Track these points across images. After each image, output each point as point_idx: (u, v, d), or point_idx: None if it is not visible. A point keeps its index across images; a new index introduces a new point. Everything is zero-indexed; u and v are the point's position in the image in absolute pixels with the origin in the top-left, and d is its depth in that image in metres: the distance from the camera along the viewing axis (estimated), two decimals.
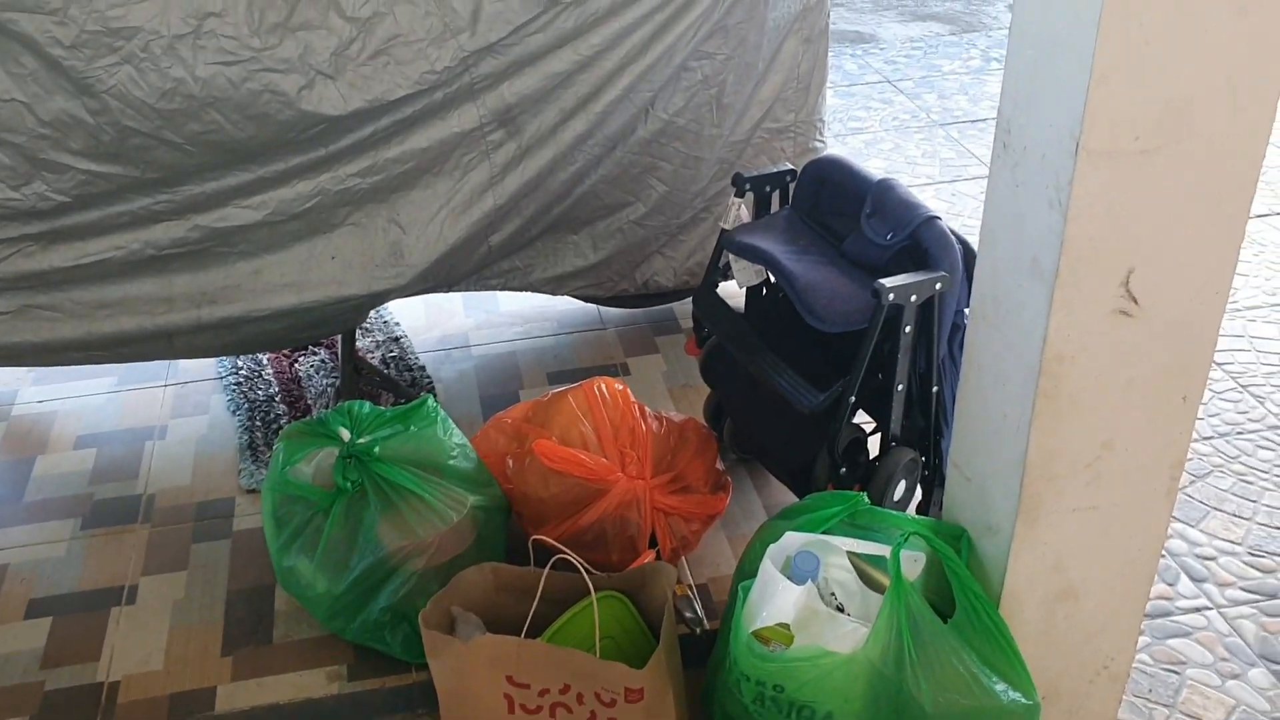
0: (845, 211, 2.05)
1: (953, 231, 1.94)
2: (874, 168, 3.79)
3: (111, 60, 1.92)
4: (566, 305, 2.93)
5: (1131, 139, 1.30)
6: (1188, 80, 1.27)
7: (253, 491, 2.38)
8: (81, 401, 2.73)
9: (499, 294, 3.00)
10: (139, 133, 1.98)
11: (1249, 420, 2.54)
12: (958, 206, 3.50)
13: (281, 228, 2.18)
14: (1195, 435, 2.23)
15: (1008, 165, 1.46)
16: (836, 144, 3.88)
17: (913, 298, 1.84)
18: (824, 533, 1.71)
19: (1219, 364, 2.70)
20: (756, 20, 2.33)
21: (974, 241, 1.71)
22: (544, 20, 2.15)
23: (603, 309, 2.92)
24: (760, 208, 2.20)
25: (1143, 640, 1.98)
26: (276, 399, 2.64)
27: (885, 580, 1.64)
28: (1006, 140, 1.46)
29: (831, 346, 2.01)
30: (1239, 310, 2.92)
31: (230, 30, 1.97)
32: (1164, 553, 2.13)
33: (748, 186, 2.16)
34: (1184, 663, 1.96)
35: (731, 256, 2.12)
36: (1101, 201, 1.32)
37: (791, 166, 2.20)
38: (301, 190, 2.14)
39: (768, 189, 2.19)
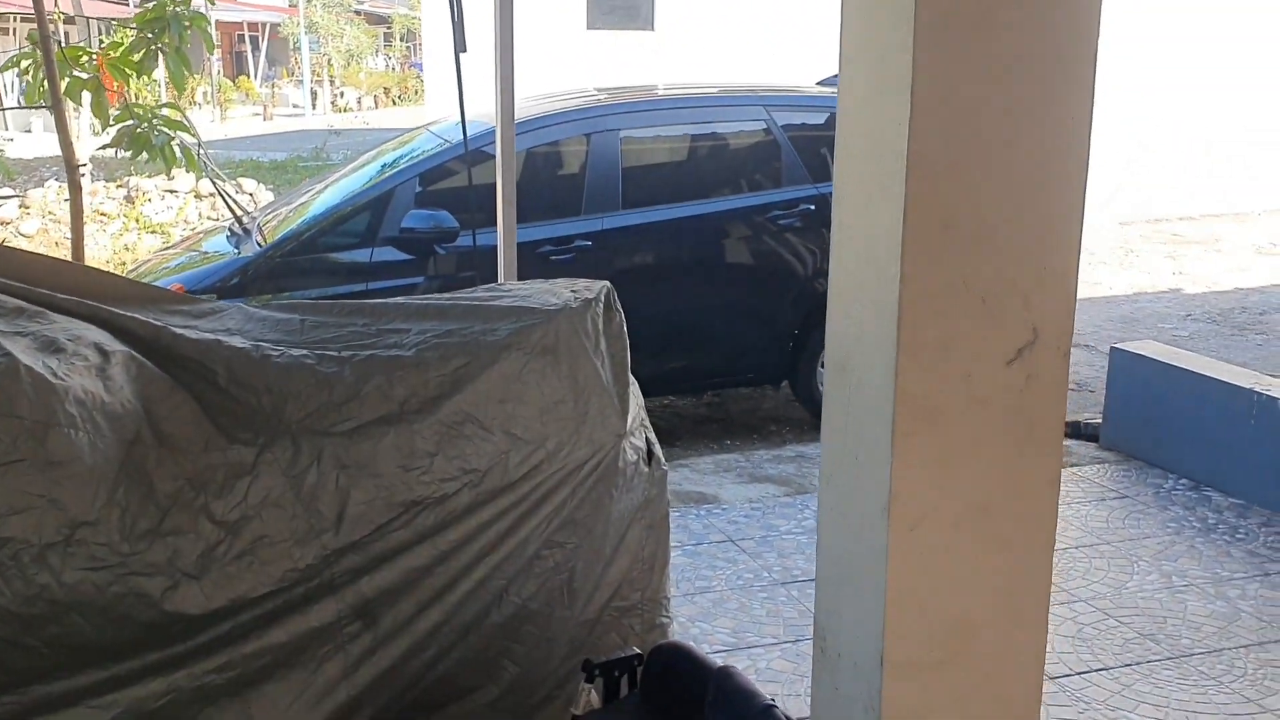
0: (690, 698, 2.14)
1: None
2: (723, 628, 3.95)
3: None
4: None
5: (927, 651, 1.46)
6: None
7: None
8: None
9: None
10: None
11: None
12: (803, 667, 3.62)
13: None
14: None
15: (827, 669, 1.59)
16: (685, 603, 4.03)
17: None
18: None
19: None
20: (603, 513, 2.53)
21: None
22: (406, 519, 2.30)
23: None
24: (609, 693, 2.28)
25: None
26: None
27: None
28: (824, 645, 1.60)
29: None
30: None
31: (102, 538, 2.04)
32: None
33: (597, 672, 2.25)
34: None
35: None
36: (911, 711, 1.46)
37: (639, 651, 2.31)
38: (155, 689, 2.13)
39: (616, 674, 2.28)
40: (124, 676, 2.12)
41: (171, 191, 10.18)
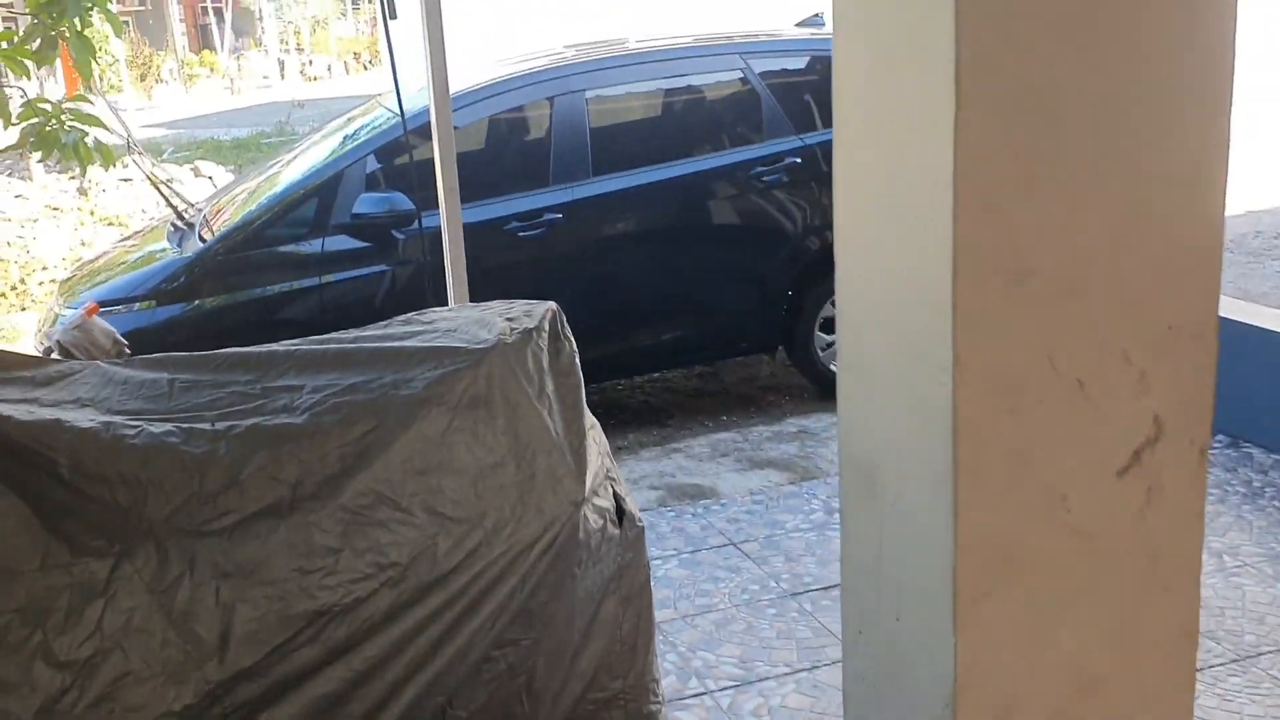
0: None
1: None
2: (729, 656, 3.46)
3: None
4: None
5: None
6: None
7: None
8: None
9: None
10: None
11: None
12: (821, 702, 3.14)
13: None
14: None
15: None
16: (684, 627, 3.53)
17: None
18: None
19: None
20: (565, 596, 2.01)
21: None
22: (309, 634, 1.78)
23: None
24: None
25: None
26: None
27: None
28: None
29: None
30: None
31: None
32: None
33: None
34: None
35: None
36: None
37: None
38: None
39: None
40: None
41: (126, 180, 9.58)
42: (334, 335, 2.06)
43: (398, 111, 5.25)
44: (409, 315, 2.13)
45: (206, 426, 1.82)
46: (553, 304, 2.07)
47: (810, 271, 5.66)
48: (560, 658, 2.05)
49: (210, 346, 5.06)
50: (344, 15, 35.73)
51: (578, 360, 2.06)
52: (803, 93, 5.89)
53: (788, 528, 4.19)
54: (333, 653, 1.79)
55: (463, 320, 2.01)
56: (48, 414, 1.83)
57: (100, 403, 1.91)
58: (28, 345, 6.71)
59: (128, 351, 3.57)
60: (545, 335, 2.00)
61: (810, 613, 3.59)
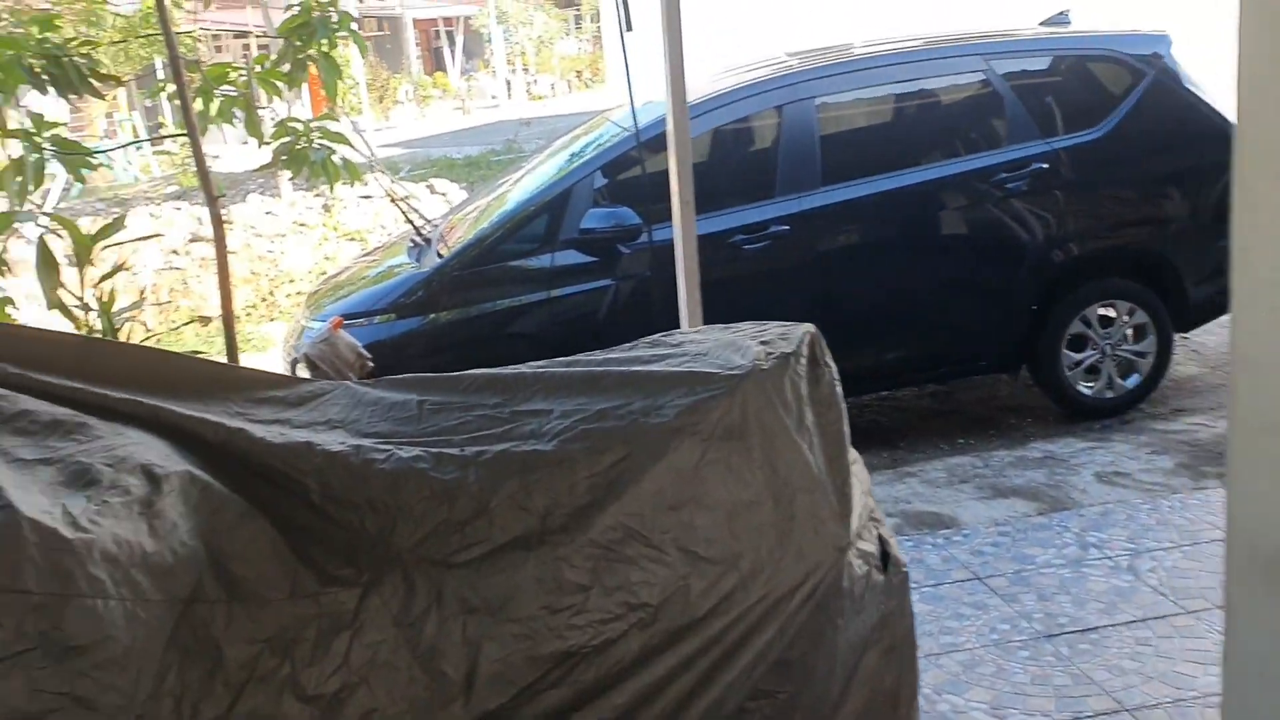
0: None
1: None
2: (978, 701, 3.20)
3: None
4: None
5: None
6: None
7: None
8: None
9: None
10: None
11: None
12: None
13: None
14: None
15: None
16: (928, 666, 3.28)
17: None
18: None
19: None
20: (826, 648, 1.83)
21: None
22: (556, 676, 1.67)
23: None
24: None
25: None
26: None
27: None
28: None
29: None
30: None
31: None
32: None
33: None
34: None
35: None
36: None
37: None
38: None
39: None
40: None
41: (366, 197, 9.98)
42: (581, 357, 1.96)
43: (630, 126, 5.21)
44: (655, 337, 2.01)
45: (455, 451, 1.74)
46: (811, 326, 1.90)
47: (1056, 285, 5.29)
48: (818, 713, 1.87)
49: (445, 359, 5.15)
50: (567, 35, 36.63)
51: (839, 388, 1.88)
52: (1045, 95, 5.52)
53: (1038, 563, 3.87)
54: (581, 697, 1.67)
55: (713, 343, 1.87)
56: (299, 436, 1.79)
57: (350, 425, 1.86)
58: (276, 354, 7.05)
59: (370, 364, 3.62)
60: (804, 361, 1.83)
61: (1068, 658, 3.27)
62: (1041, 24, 6.04)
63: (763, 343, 1.83)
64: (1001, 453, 5.08)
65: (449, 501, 1.69)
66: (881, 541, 1.92)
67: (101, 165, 16.84)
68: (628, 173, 5.31)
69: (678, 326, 3.54)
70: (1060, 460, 4.86)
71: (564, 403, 1.79)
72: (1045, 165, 5.25)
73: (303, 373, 3.92)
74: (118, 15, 13.77)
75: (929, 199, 5.26)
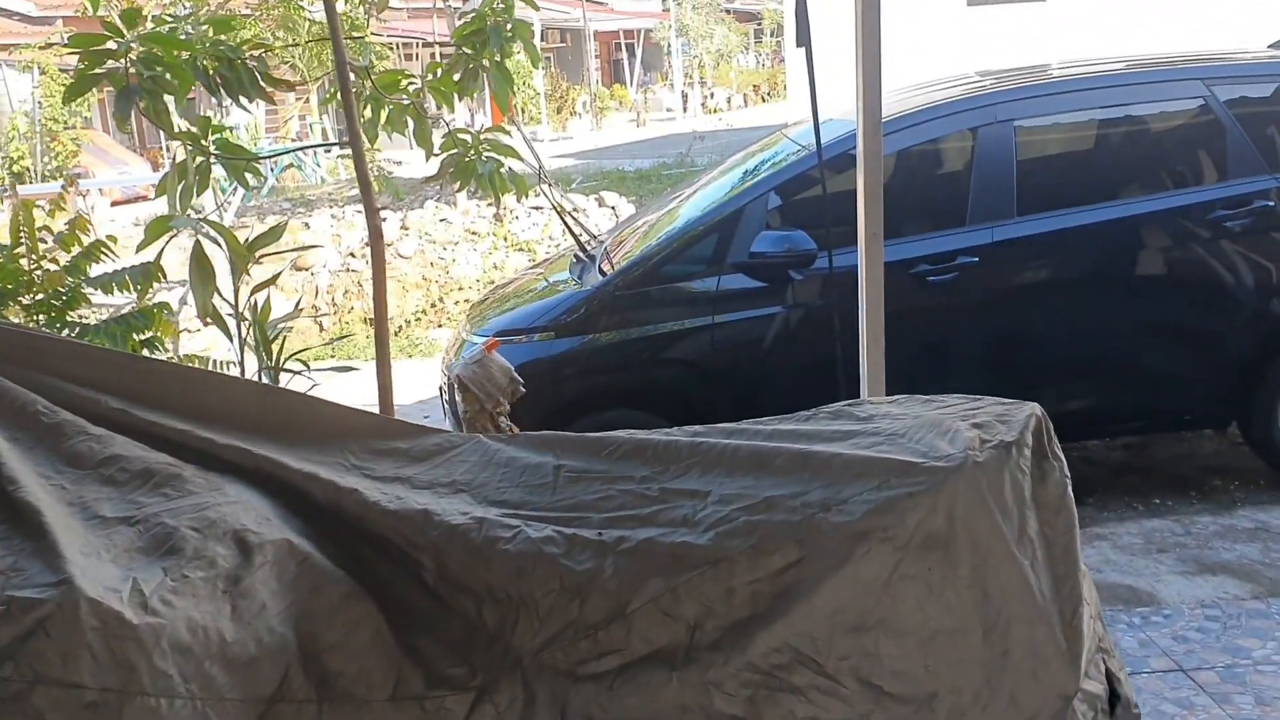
0: None
1: None
2: None
3: None
4: None
5: None
6: None
7: None
8: None
9: None
10: None
11: None
12: None
13: None
14: None
15: None
16: None
17: None
18: None
19: None
20: None
21: None
22: None
23: None
24: None
25: None
26: None
27: None
28: None
29: None
30: None
31: None
32: None
33: None
34: None
35: None
36: None
37: None
38: None
39: None
40: None
41: (537, 208, 9.89)
42: (746, 425, 1.64)
43: (808, 144, 4.85)
44: (838, 406, 1.66)
45: (592, 535, 1.45)
46: (1037, 407, 1.52)
47: (1276, 336, 4.68)
48: None
49: (600, 381, 4.88)
50: (747, 49, 36.28)
51: (1069, 488, 1.51)
52: (1268, 125, 4.90)
53: (1254, 658, 3.35)
54: None
55: (912, 421, 1.51)
56: (417, 501, 1.53)
57: (477, 488, 1.60)
58: (436, 363, 6.96)
59: (522, 389, 3.38)
60: (1028, 452, 1.46)
61: None
62: (1271, 46, 5.41)
63: (976, 425, 1.46)
64: (1205, 519, 4.52)
65: (581, 598, 1.40)
66: (1110, 678, 1.53)
67: (292, 166, 17.39)
68: (804, 193, 4.95)
69: (851, 359, 3.18)
70: (1276, 535, 4.27)
71: (724, 484, 1.47)
72: (1271, 203, 4.65)
73: (455, 394, 3.71)
74: (312, 22, 14.17)
75: (1136, 235, 4.74)
